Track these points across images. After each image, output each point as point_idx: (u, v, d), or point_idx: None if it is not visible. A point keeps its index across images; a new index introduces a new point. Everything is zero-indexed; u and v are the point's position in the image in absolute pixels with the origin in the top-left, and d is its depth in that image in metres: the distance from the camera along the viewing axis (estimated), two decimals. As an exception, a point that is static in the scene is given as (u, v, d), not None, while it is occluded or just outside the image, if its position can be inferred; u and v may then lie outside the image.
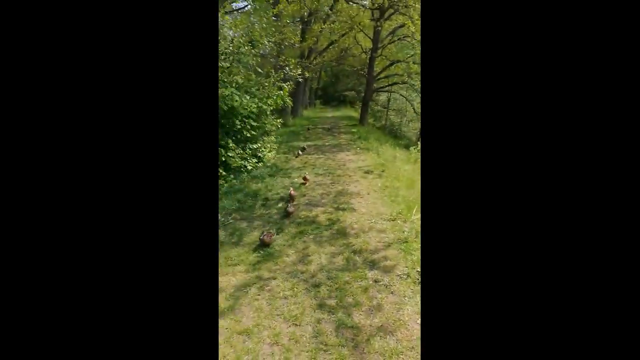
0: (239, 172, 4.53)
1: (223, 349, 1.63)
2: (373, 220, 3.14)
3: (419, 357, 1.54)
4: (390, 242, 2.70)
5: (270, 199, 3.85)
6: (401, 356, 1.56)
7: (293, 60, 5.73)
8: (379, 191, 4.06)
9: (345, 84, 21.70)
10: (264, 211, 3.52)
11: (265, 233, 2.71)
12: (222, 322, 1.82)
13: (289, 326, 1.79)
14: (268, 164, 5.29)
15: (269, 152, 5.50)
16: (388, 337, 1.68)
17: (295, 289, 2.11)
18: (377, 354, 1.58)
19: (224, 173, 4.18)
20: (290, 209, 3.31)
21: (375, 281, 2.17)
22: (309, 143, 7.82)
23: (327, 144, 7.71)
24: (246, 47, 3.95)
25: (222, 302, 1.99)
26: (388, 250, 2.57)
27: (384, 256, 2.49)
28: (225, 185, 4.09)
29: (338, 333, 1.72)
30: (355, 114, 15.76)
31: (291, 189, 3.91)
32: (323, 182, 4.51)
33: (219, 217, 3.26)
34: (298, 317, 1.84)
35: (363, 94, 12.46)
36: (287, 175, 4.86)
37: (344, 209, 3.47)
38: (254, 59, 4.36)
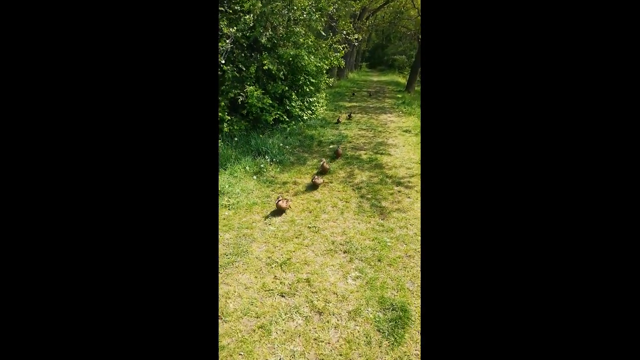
0: (297, 120, 5.88)
1: (306, 204, 3.08)
2: (404, 162, 4.33)
3: (419, 225, 2.81)
4: (414, 174, 3.90)
5: (324, 142, 5.19)
6: (407, 220, 2.86)
7: (351, 25, 6.63)
8: (413, 145, 5.15)
9: (396, 47, 21.35)
10: (319, 149, 4.88)
11: (324, 161, 4.09)
12: (303, 196, 3.26)
13: (342, 201, 3.17)
14: (319, 117, 6.56)
15: (320, 107, 6.74)
16: (402, 213, 2.98)
17: (345, 188, 3.47)
18: (393, 218, 2.89)
19: (287, 119, 5.56)
20: (339, 150, 4.51)
21: (399, 191, 3.44)
22: (354, 104, 8.88)
23: (371, 106, 8.69)
24: (317, 15, 5.02)
25: (301, 188, 3.44)
26: (412, 178, 3.79)
27: (408, 180, 3.72)
28: (288, 128, 5.48)
29: (372, 208, 3.06)
30: (402, 80, 15.99)
31: (339, 146, 5.14)
32: (366, 135, 5.70)
33: (288, 147, 4.69)
34: (347, 199, 3.22)
35: (414, 59, 12.71)
36: (335, 128, 6.12)
37: (381, 153, 4.68)
38: (320, 24, 5.43)
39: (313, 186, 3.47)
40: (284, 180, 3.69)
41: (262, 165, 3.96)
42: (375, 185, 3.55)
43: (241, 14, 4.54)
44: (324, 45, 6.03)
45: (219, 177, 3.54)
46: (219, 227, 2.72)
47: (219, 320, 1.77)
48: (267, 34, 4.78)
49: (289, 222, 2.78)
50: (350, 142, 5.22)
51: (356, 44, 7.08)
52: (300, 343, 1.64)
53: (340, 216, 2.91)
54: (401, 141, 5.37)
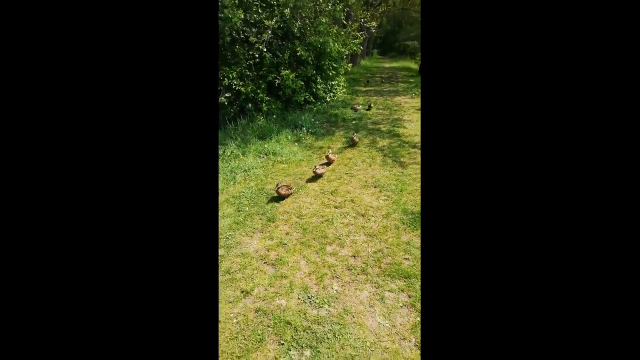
0: (321, 101, 6.84)
1: (341, 160, 4.07)
2: (418, 132, 5.26)
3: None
4: (426, 141, 4.84)
5: (347, 119, 6.15)
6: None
7: (368, 13, 7.48)
8: (425, 120, 6.06)
9: (407, 33, 21.79)
10: (344, 123, 5.85)
11: (329, 152, 5.05)
12: (338, 155, 4.25)
13: (369, 159, 4.15)
14: (339, 100, 7.50)
15: (340, 90, 7.67)
16: (418, 165, 3.93)
17: (370, 150, 4.44)
18: (411, 168, 3.85)
19: (313, 100, 6.52)
20: (355, 138, 5.43)
21: (415, 152, 4.38)
22: (369, 88, 9.76)
23: (385, 90, 9.55)
24: (340, 6, 5.91)
25: (335, 151, 4.43)
26: (424, 143, 4.73)
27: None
28: (315, 108, 6.45)
29: (393, 162, 4.03)
30: (414, 65, 16.62)
31: (354, 135, 6.07)
32: (383, 113, 6.62)
33: (318, 123, 5.67)
34: (373, 157, 4.19)
35: (425, 44, 13.33)
36: (354, 109, 7.05)
37: (398, 127, 5.61)
38: (342, 14, 6.32)
39: (315, 177, 3.53)
40: (320, 145, 4.69)
41: (300, 135, 4.96)
42: (395, 148, 4.51)
43: (275, 8, 5.49)
44: (342, 32, 6.93)
45: (268, 144, 4.56)
46: (280, 174, 3.75)
47: (298, 219, 2.79)
48: (298, 24, 5.72)
49: (331, 171, 3.78)
50: (370, 119, 6.16)
51: (373, 30, 7.93)
52: (353, 229, 2.65)
53: (369, 167, 3.89)
54: (415, 117, 6.27)
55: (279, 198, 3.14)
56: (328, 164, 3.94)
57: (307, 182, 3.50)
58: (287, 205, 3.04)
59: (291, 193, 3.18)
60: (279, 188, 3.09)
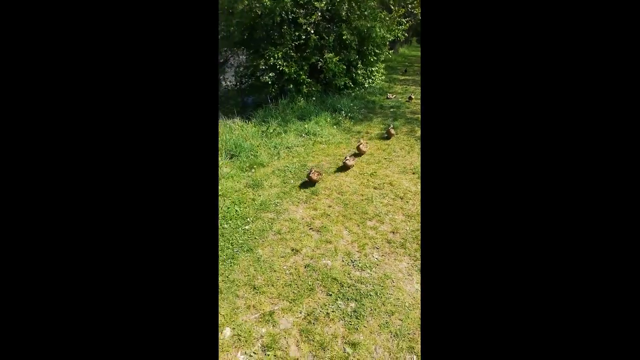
0: (360, 86, 6.90)
1: (379, 146, 4.21)
2: (457, 125, 5.24)
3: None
4: (466, 134, 4.83)
5: (385, 106, 6.20)
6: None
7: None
8: (465, 113, 5.98)
9: (452, 21, 20.70)
10: (382, 111, 5.92)
11: (361, 142, 5.12)
12: (376, 141, 4.38)
13: (407, 146, 4.25)
14: (377, 87, 7.51)
15: (379, 76, 7.66)
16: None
17: (409, 138, 4.53)
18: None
19: (352, 85, 6.60)
20: (392, 130, 5.32)
21: (453, 144, 4.42)
22: (407, 77, 9.61)
23: (424, 80, 9.37)
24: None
25: (373, 136, 4.56)
26: (464, 136, 4.73)
27: (460, 137, 4.67)
28: (353, 93, 6.54)
29: (431, 151, 4.11)
30: (456, 56, 15.92)
31: (390, 126, 6.09)
32: (422, 103, 6.58)
33: (356, 108, 5.79)
34: (411, 145, 4.28)
35: (471, 34, 12.67)
36: (389, 98, 7.05)
37: (437, 118, 5.60)
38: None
39: (344, 167, 3.46)
40: (358, 130, 4.83)
41: (339, 119, 5.13)
42: (433, 138, 4.56)
43: (325, -10, 5.55)
44: (388, 18, 6.86)
45: (307, 124, 4.77)
46: (320, 154, 3.96)
47: (340, 195, 3.01)
48: (345, 7, 5.76)
49: (369, 155, 3.94)
50: (408, 108, 6.17)
51: (420, 17, 7.75)
52: (392, 209, 2.82)
53: (407, 154, 4.00)
54: (455, 110, 6.20)
55: (310, 183, 3.15)
56: (359, 154, 3.82)
57: (336, 171, 3.56)
58: (329, 182, 3.26)
59: (321, 178, 3.21)
60: (310, 174, 3.09)
